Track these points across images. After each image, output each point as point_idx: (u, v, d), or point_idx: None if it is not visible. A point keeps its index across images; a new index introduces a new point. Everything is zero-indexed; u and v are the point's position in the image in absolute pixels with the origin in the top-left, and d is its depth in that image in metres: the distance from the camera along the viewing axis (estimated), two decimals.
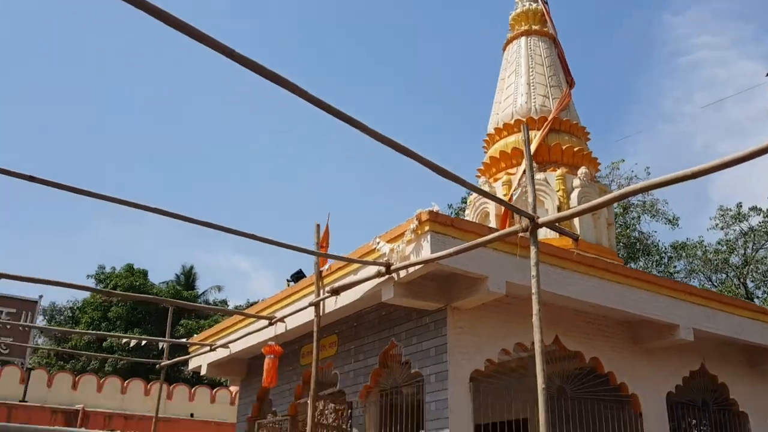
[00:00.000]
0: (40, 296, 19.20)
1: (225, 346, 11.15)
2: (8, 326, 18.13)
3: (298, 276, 10.53)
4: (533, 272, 5.38)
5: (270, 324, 9.71)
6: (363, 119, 4.39)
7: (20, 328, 18.36)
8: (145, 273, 42.98)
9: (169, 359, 12.27)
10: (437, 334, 7.76)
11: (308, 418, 8.23)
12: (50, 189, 5.18)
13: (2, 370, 17.85)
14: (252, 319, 10.59)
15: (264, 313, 9.95)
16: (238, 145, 70.25)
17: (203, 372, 12.18)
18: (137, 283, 41.10)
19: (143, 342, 12.56)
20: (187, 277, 46.37)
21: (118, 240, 65.22)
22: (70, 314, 42.59)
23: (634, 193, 5.00)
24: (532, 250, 5.45)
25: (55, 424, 15.77)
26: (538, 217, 5.52)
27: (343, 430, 8.86)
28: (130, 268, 42.36)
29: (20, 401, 17.19)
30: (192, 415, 19.61)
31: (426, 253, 7.05)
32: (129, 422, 17.79)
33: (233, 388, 22.64)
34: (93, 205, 74.26)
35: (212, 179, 68.56)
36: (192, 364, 12.57)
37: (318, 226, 8.97)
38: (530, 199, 5.75)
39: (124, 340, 14.45)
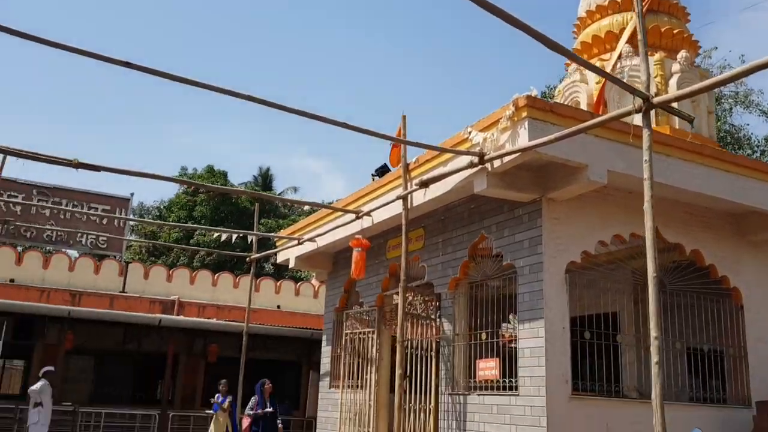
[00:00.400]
0: (132, 194, 19.97)
1: (312, 240, 11.35)
2: (105, 221, 19.04)
3: (382, 170, 10.41)
4: (646, 156, 4.99)
5: (357, 218, 9.73)
6: None
7: (115, 224, 19.32)
8: (225, 174, 44.32)
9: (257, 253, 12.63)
10: (531, 226, 7.55)
11: (399, 308, 8.34)
12: (136, 90, 5.11)
13: (102, 263, 19.00)
14: (338, 214, 10.67)
15: (351, 207, 9.96)
16: (322, 36, 69.31)
17: (291, 265, 12.52)
18: (218, 184, 42.48)
19: (233, 237, 12.94)
20: (264, 179, 47.57)
21: (197, 144, 67.07)
22: (158, 213, 44.68)
23: (751, 72, 4.45)
24: (645, 132, 5.03)
25: (154, 313, 16.77)
26: (653, 96, 5.06)
27: (432, 320, 8.96)
28: (210, 170, 43.72)
29: (120, 292, 18.35)
30: (279, 306, 20.48)
31: (523, 140, 6.72)
32: (220, 312, 18.75)
33: (315, 282, 23.46)
34: (175, 108, 75.90)
35: (296, 73, 68.46)
36: (280, 257, 12.93)
37: (404, 117, 8.72)
38: (643, 77, 5.27)
39: (215, 235, 14.91)
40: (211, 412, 11.26)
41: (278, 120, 78.07)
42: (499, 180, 7.23)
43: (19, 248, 18.94)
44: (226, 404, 11.19)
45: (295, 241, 11.87)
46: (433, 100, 70.09)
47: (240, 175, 68.68)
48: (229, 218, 42.23)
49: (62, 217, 18.91)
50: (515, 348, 7.77)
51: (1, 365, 18.10)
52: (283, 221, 40.21)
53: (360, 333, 10.78)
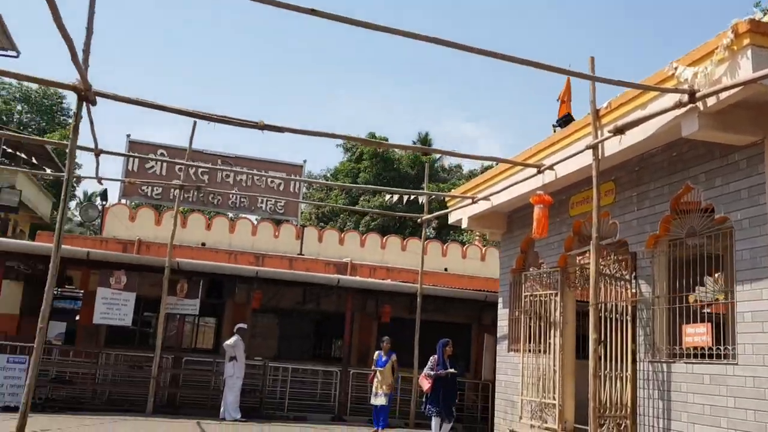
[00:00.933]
0: (304, 161, 20.72)
1: (486, 198, 10.93)
2: (282, 187, 19.98)
3: (565, 120, 9.70)
4: None
5: (538, 173, 9.16)
6: None
7: (291, 189, 20.26)
8: (385, 139, 45.04)
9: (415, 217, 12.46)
10: (751, 173, 6.55)
11: (591, 269, 7.73)
12: (302, 62, 4.95)
13: (280, 227, 20.02)
14: (515, 170, 10.15)
15: (530, 161, 9.39)
16: None
17: (464, 225, 12.22)
18: (380, 150, 43.27)
19: (405, 199, 12.95)
20: (423, 143, 47.83)
21: (357, 114, 68.82)
22: (323, 179, 46.41)
23: None
24: None
25: (329, 274, 17.31)
26: None
27: (626, 281, 8.23)
28: (372, 137, 44.64)
29: (298, 254, 19.25)
30: (446, 269, 20.39)
31: (745, 73, 5.78)
32: (390, 274, 19.01)
33: (479, 244, 23.16)
34: (338, 79, 78.43)
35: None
36: (452, 218, 12.68)
37: (593, 59, 7.93)
38: None
39: (387, 197, 14.99)
40: (376, 368, 11.40)
41: (436, 86, 77.75)
42: (713, 120, 6.32)
43: (208, 214, 20.47)
44: (388, 364, 11.27)
45: (468, 201, 11.53)
46: (620, 49, 65.96)
47: (400, 141, 69.37)
48: (390, 184, 43.02)
49: (244, 184, 20.07)
50: (723, 312, 6.92)
51: (196, 322, 19.78)
52: (443, 185, 40.22)
53: (541, 295, 10.25)
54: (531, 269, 10.96)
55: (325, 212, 44.55)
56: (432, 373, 9.92)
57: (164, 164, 19.36)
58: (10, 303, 16.75)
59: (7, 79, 44.21)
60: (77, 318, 27.45)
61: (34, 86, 42.51)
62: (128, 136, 19.02)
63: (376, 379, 11.37)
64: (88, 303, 17.70)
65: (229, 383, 11.82)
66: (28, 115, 40.71)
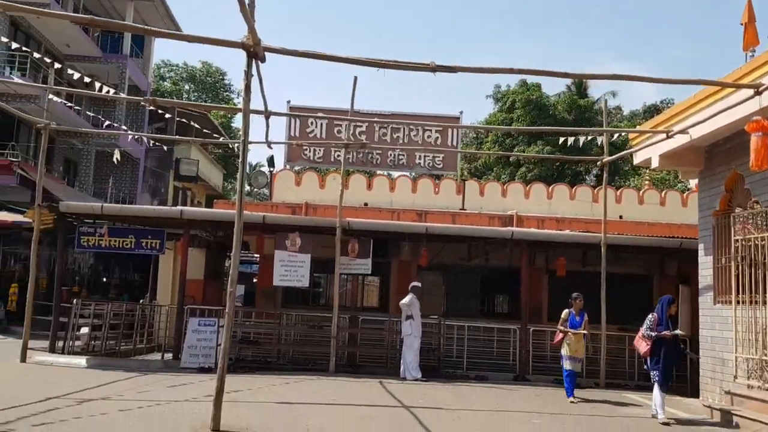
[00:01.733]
0: (461, 112, 19.94)
1: (684, 131, 9.59)
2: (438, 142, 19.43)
3: None
4: None
5: (756, 94, 7.75)
6: None
7: (448, 143, 19.64)
8: (539, 86, 42.96)
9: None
10: None
11: None
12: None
13: (440, 182, 19.52)
14: (716, 97, 8.75)
15: (743, 82, 7.98)
16: None
17: (654, 165, 10.93)
18: (534, 96, 41.30)
19: (582, 140, 11.84)
20: (578, 87, 45.15)
21: (505, 62, 66.25)
22: (474, 135, 45.32)
23: None
24: None
25: (494, 227, 16.58)
26: None
27: None
28: (524, 84, 42.72)
29: (460, 209, 18.68)
30: (620, 216, 18.85)
31: None
32: (560, 225, 17.88)
33: (646, 185, 21.21)
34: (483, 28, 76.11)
35: None
36: (639, 157, 11.41)
37: None
38: None
39: (562, 139, 13.88)
40: (565, 329, 10.16)
41: (583, 27, 72.86)
42: None
43: (368, 174, 20.44)
44: (583, 324, 10.15)
45: (658, 137, 10.22)
46: None
47: (553, 87, 66.44)
48: (546, 132, 41.13)
49: (401, 140, 19.76)
50: None
51: (361, 282, 20.01)
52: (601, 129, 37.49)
53: (756, 239, 8.85)
54: (738, 210, 9.54)
55: (477, 167, 43.57)
56: (652, 333, 8.82)
57: (324, 128, 19.54)
58: (195, 269, 17.81)
59: (174, 61, 47.43)
60: (254, 281, 29.13)
61: (198, 65, 45.24)
62: (288, 102, 19.34)
63: (566, 342, 10.12)
64: (265, 266, 18.44)
65: (407, 342, 11.61)
66: (195, 94, 43.40)
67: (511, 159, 41.61)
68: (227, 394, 8.97)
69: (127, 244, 12.67)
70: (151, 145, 20.20)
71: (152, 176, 32.00)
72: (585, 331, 10.18)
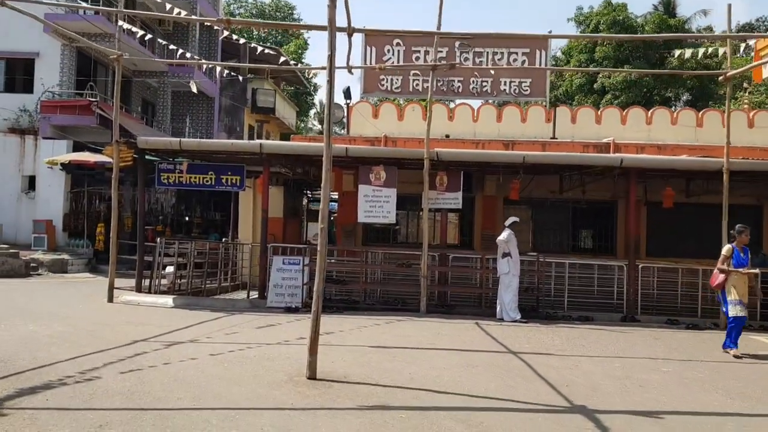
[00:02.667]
0: (549, 31, 18.32)
1: None
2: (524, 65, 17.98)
3: None
4: None
5: None
6: None
7: (537, 65, 18.17)
8: (624, 6, 40.05)
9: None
10: None
11: None
12: None
13: (527, 110, 18.19)
14: None
15: None
16: None
17: None
18: (619, 17, 38.48)
19: (700, 51, 10.34)
20: (666, 6, 41.93)
21: None
22: (553, 62, 42.85)
23: None
24: None
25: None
26: None
27: None
28: (608, 4, 39.89)
29: (550, 138, 17.36)
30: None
31: None
32: (662, 152, 16.35)
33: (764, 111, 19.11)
34: None
35: None
36: None
37: None
38: None
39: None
40: (729, 267, 8.50)
41: None
42: None
43: (448, 104, 19.28)
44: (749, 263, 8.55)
45: None
46: None
47: (639, 7, 61.90)
48: (633, 53, 38.49)
49: (484, 65, 18.42)
50: None
51: (439, 218, 19.19)
52: (696, 48, 34.74)
53: None
54: None
55: (558, 96, 41.36)
56: (724, 267, 7.72)
57: (401, 55, 18.41)
58: (274, 207, 17.42)
59: None
60: (332, 218, 28.82)
61: (267, 0, 44.25)
62: (363, 27, 18.23)
63: (731, 284, 8.47)
64: (344, 203, 17.88)
65: (504, 281, 10.77)
66: (265, 31, 42.60)
67: (595, 86, 39.21)
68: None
69: (207, 181, 12.21)
70: (225, 75, 19.54)
71: (227, 115, 31.85)
72: (756, 271, 8.75)
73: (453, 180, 11.82)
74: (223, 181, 12.20)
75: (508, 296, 10.65)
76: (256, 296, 12.79)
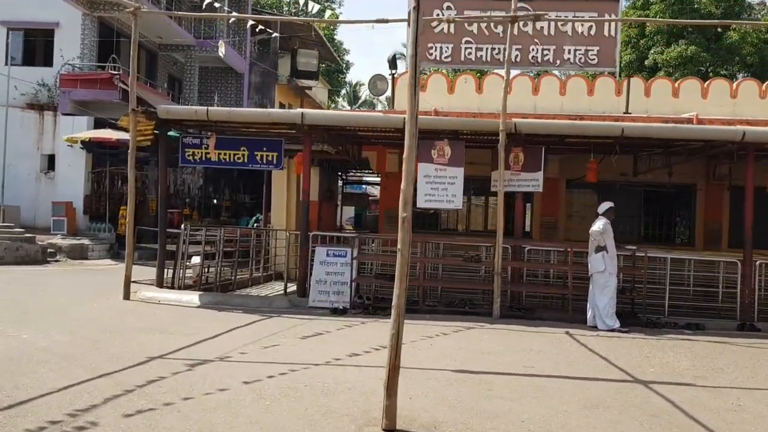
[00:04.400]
0: None
1: None
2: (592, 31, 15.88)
3: None
4: None
5: None
6: None
7: (605, 32, 16.05)
8: None
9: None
10: None
11: None
12: None
13: (594, 82, 16.11)
14: None
15: None
16: None
17: None
18: None
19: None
20: None
21: None
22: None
23: None
24: None
25: None
26: None
27: None
28: None
29: (624, 113, 15.31)
30: None
31: None
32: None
33: None
34: None
35: None
36: None
37: None
38: None
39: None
40: None
41: None
42: None
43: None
44: None
45: None
46: None
47: None
48: (687, 29, 35.86)
49: (546, 33, 16.36)
50: None
51: (485, 204, 17.31)
52: None
53: None
54: None
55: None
56: None
57: (452, 24, 16.43)
58: (311, 190, 15.68)
59: None
60: (368, 203, 26.94)
61: None
62: None
63: None
64: (388, 185, 16.05)
65: (599, 281, 8.85)
66: (296, 5, 40.69)
67: (646, 62, 36.64)
68: (377, 351, 6.74)
69: (238, 158, 10.42)
70: (255, 48, 17.88)
71: (257, 92, 30.17)
72: None
73: (532, 158, 9.84)
74: (258, 158, 10.40)
75: (603, 299, 8.73)
76: (294, 291, 11.07)
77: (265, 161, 10.43)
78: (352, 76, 47.17)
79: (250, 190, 24.39)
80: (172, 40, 26.11)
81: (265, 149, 10.45)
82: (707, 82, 16.09)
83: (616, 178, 14.79)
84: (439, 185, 9.68)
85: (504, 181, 9.68)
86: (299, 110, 10.18)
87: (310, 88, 28.80)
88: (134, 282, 10.54)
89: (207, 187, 23.91)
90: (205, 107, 9.92)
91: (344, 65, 45.01)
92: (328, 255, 9.97)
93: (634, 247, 10.66)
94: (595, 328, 8.75)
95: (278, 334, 7.63)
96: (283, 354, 6.61)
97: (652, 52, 35.98)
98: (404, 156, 4.56)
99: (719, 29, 33.54)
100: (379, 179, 25.15)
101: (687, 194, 15.73)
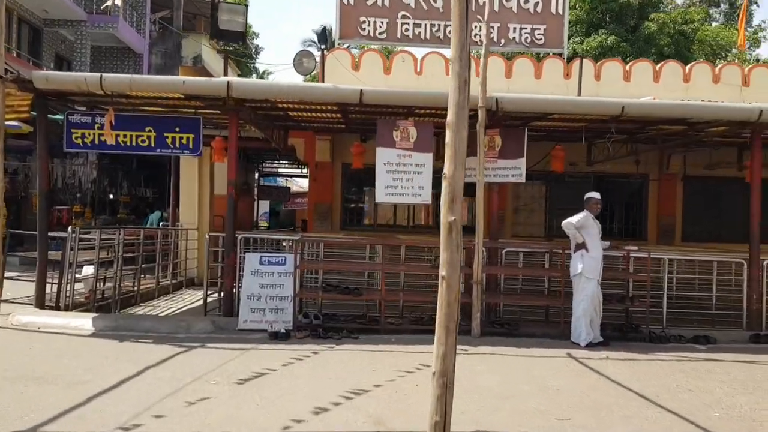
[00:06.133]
0: None
1: None
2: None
3: None
4: None
5: None
6: None
7: (551, 10, 14.77)
8: None
9: None
10: None
11: None
12: None
13: (541, 64, 14.81)
14: None
15: None
16: None
17: None
18: None
19: None
20: None
21: None
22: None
23: None
24: None
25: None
26: None
27: None
28: None
29: (576, 96, 14.10)
30: None
31: None
32: None
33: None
34: None
35: None
36: None
37: None
38: None
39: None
40: None
41: None
42: None
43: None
44: None
45: None
46: None
47: None
48: (605, 20, 35.98)
49: (489, 10, 14.87)
50: None
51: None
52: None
53: None
54: None
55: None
56: None
57: (385, 1, 14.68)
58: (222, 183, 13.42)
59: None
60: (287, 197, 24.63)
61: None
62: None
63: None
64: (320, 177, 14.09)
65: (576, 285, 7.31)
66: None
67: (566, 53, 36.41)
68: (350, 401, 4.87)
69: (143, 141, 8.13)
70: (156, 27, 15.42)
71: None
72: None
73: (512, 142, 8.17)
74: (169, 141, 8.16)
75: (579, 308, 7.17)
76: (216, 307, 8.97)
77: (178, 145, 8.19)
78: (264, 60, 44.35)
79: (152, 183, 21.63)
80: (60, 15, 22.96)
81: (178, 130, 8.20)
82: (659, 65, 15.17)
83: (566, 168, 13.54)
84: (404, 175, 7.83)
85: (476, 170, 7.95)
86: (224, 78, 8.04)
87: (243, 41, 25.81)
88: (5, 302, 8.11)
89: (102, 179, 20.87)
90: (98, 74, 7.59)
91: (254, 50, 42.29)
92: (261, 262, 7.92)
93: (608, 243, 9.25)
94: (595, 345, 7.21)
95: (205, 377, 5.57)
96: (216, 412, 4.59)
97: (571, 42, 35.67)
98: (447, 139, 2.72)
99: (638, 19, 33.58)
100: (298, 171, 23.16)
101: (639, 185, 14.77)
